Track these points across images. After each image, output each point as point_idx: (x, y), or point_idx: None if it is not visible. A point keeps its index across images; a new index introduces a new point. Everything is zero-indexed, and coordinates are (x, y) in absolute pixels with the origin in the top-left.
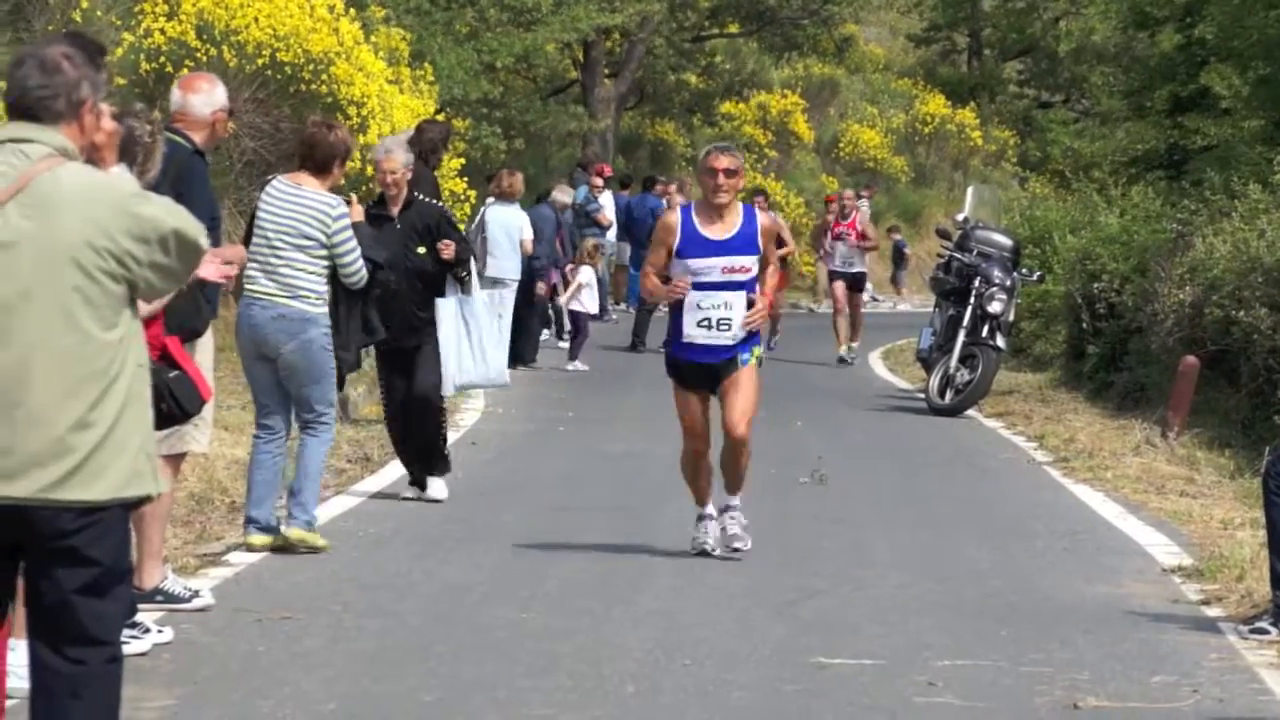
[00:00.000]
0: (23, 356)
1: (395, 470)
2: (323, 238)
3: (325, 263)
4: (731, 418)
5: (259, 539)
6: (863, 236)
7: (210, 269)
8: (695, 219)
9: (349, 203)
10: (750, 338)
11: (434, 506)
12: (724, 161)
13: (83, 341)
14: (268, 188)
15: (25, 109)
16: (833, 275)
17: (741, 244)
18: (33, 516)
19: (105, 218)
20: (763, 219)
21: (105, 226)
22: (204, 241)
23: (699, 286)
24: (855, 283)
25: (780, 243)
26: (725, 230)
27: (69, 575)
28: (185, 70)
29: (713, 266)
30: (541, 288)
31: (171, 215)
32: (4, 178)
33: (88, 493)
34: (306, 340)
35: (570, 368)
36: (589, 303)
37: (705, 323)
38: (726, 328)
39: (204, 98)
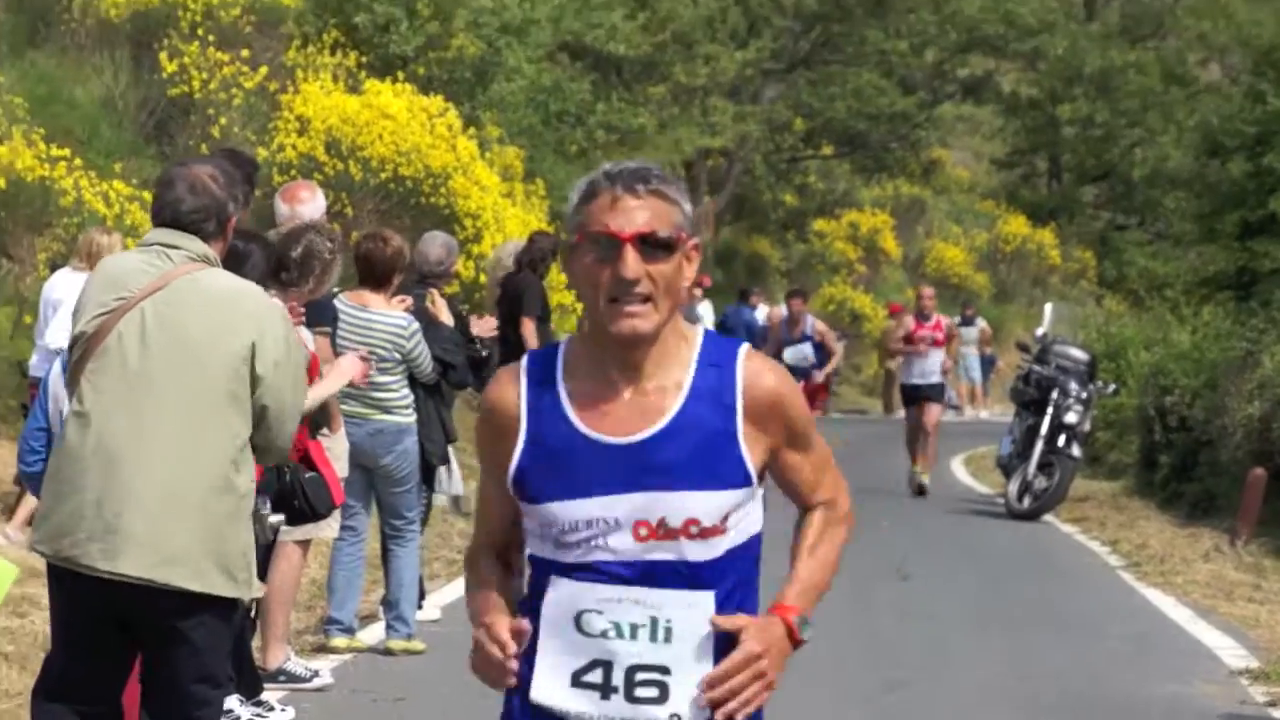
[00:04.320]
0: (148, 446)
1: None
2: (399, 356)
3: (405, 372)
4: None
5: (341, 641)
6: (948, 340)
7: (356, 370)
8: (565, 385)
9: (432, 301)
10: None
11: None
12: (637, 214)
13: (204, 441)
14: (337, 309)
15: (176, 222)
16: (907, 391)
17: (691, 452)
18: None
19: (237, 323)
20: (763, 378)
21: (235, 331)
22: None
23: (576, 573)
24: (933, 395)
25: (817, 362)
26: (646, 415)
27: None
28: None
29: (612, 519)
30: None
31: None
32: (147, 275)
33: (188, 583)
34: (403, 450)
35: None
36: None
37: (592, 675)
38: (656, 697)
39: (310, 205)
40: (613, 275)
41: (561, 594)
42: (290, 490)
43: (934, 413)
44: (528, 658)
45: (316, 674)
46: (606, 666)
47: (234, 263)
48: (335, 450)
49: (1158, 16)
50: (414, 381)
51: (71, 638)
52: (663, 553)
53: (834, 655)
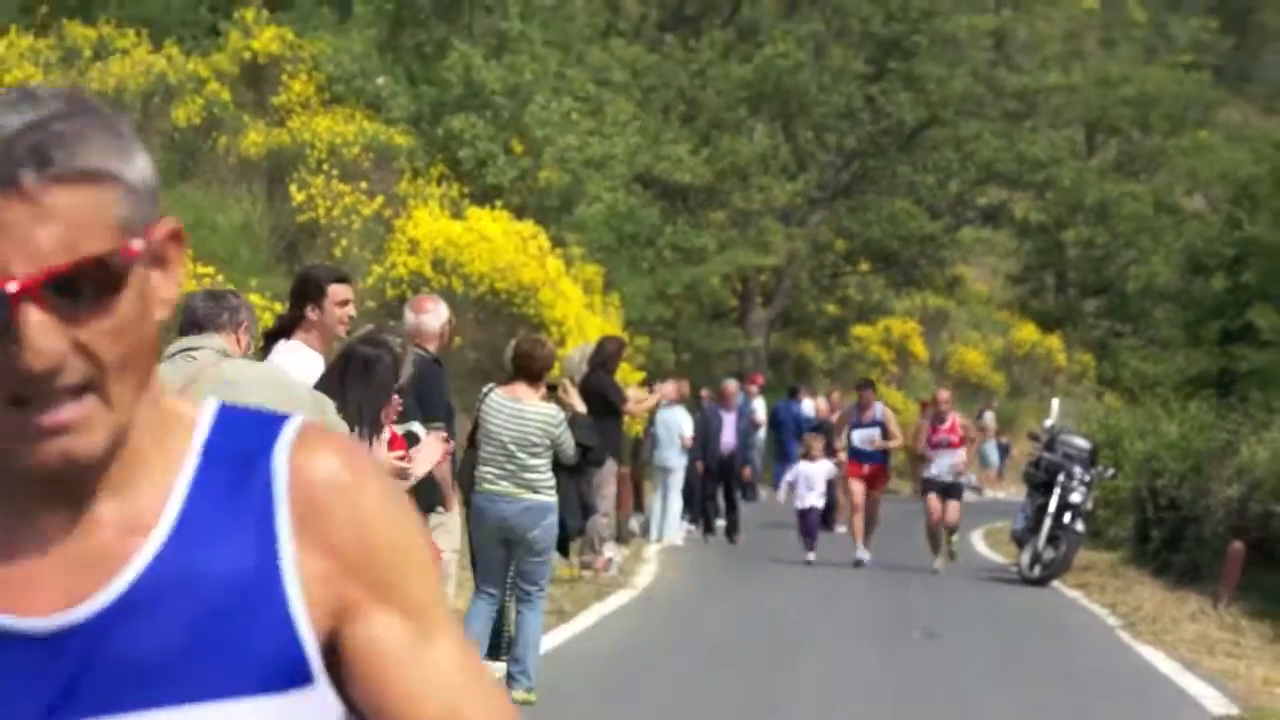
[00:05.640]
0: None
1: (584, 621)
2: (548, 442)
3: (550, 455)
4: None
5: None
6: (963, 442)
7: (438, 451)
8: None
9: (565, 391)
10: None
11: (617, 650)
12: (35, 234)
13: None
14: (490, 400)
15: (194, 324)
16: (928, 484)
17: (181, 631)
18: None
19: (267, 398)
20: (330, 465)
21: (266, 404)
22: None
23: None
24: (951, 491)
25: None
26: (91, 571)
27: None
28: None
29: None
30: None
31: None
32: (181, 371)
33: None
34: (548, 525)
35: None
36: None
37: None
38: None
39: (433, 316)
40: (4, 362)
41: None
42: None
43: (953, 511)
44: None
45: None
46: None
47: (364, 368)
48: (448, 525)
49: (1149, 154)
50: (556, 463)
51: None
52: None
53: (870, 705)
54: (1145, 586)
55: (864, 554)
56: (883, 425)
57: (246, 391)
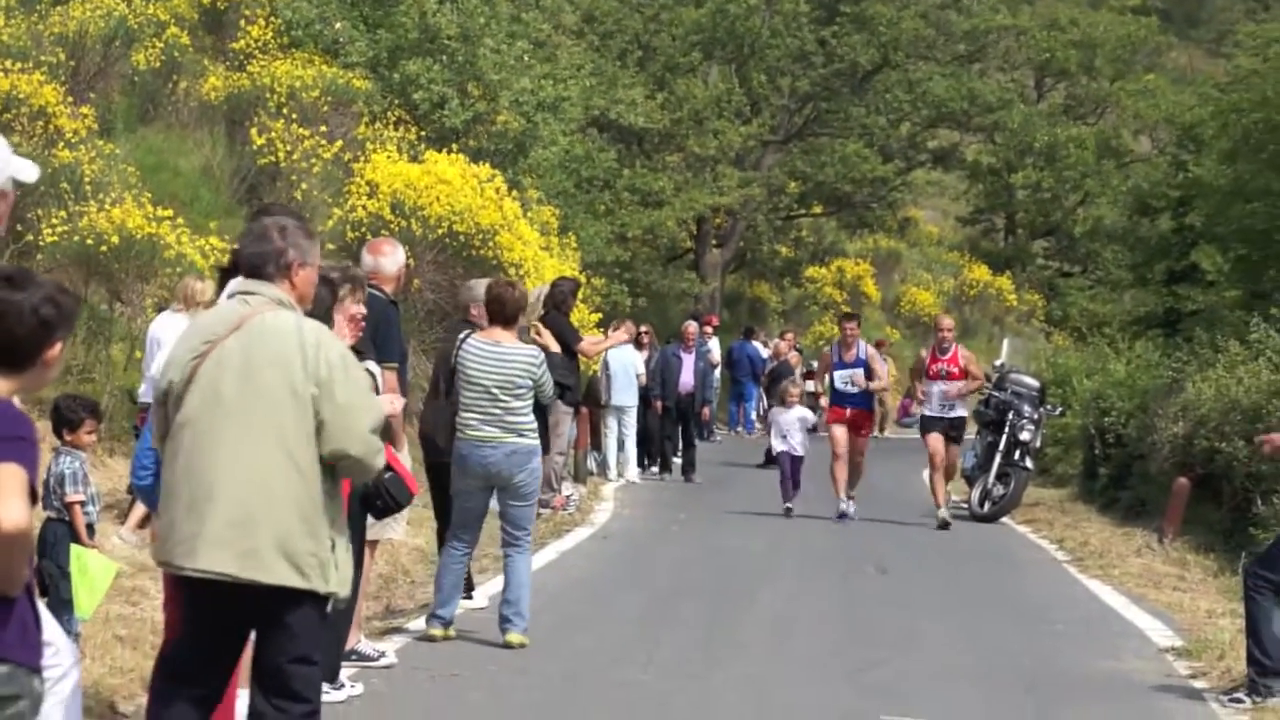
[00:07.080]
0: (223, 460)
1: (542, 558)
2: (531, 383)
3: (531, 396)
4: None
5: (441, 631)
6: (965, 374)
7: (387, 405)
8: None
9: (538, 332)
10: None
11: (574, 586)
12: None
13: (271, 453)
14: (468, 345)
15: (248, 269)
16: (927, 422)
17: None
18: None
19: (290, 353)
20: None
21: (289, 361)
22: (377, 401)
23: None
24: (953, 429)
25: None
26: None
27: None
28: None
29: None
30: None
31: (348, 382)
32: (233, 314)
33: (259, 575)
34: (533, 468)
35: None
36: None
37: None
38: None
39: (390, 259)
40: None
41: None
42: (375, 491)
43: (953, 454)
44: None
45: (383, 654)
46: None
47: None
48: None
49: (1097, 98)
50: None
51: (195, 629)
52: None
53: (824, 638)
54: (1093, 522)
55: (847, 506)
56: (866, 365)
57: (276, 339)
